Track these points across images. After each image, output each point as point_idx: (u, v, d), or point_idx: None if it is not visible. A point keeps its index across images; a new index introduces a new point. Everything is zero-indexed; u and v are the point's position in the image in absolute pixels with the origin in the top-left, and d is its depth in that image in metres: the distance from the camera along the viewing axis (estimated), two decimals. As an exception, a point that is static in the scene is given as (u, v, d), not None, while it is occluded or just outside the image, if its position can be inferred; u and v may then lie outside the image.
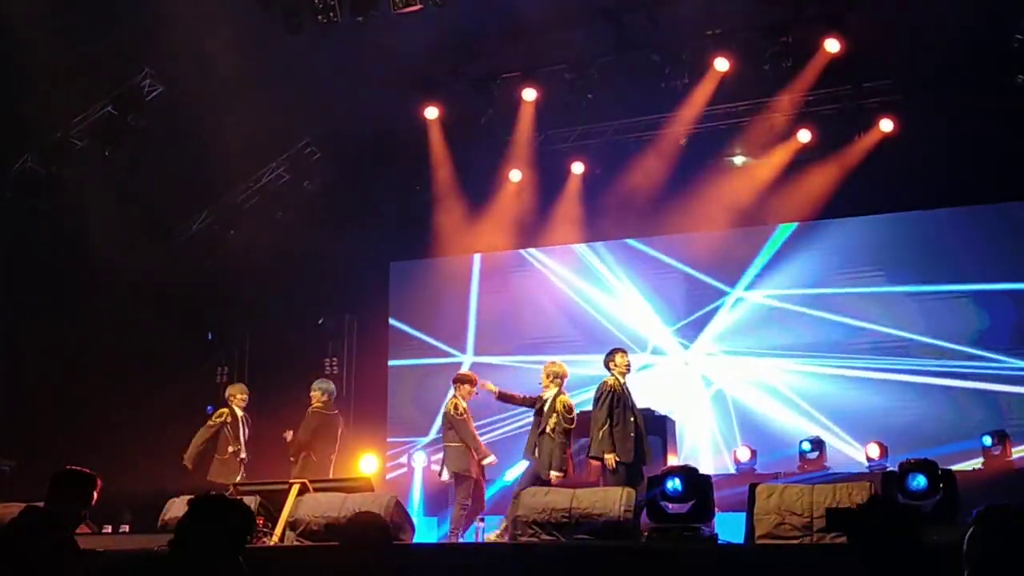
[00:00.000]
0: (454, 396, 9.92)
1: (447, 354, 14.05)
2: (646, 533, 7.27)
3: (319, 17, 10.66)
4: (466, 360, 13.75)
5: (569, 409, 9.45)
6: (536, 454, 9.36)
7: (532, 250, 13.98)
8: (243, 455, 10.74)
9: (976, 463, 10.74)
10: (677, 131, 12.72)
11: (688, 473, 7.47)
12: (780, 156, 12.59)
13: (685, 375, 13.07)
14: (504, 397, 10.01)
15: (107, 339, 12.28)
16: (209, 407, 11.67)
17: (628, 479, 8.80)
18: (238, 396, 10.97)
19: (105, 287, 11.96)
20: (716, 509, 7.40)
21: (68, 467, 5.19)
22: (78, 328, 12.04)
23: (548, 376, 9.60)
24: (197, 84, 11.23)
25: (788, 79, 11.90)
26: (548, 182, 13.51)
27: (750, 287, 12.91)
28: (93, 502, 5.14)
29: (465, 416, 9.78)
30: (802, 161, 12.49)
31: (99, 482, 5.15)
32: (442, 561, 7.32)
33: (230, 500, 3.79)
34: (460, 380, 10.04)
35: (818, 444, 11.39)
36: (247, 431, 10.89)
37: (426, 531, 10.71)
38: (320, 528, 7.83)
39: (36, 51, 10.17)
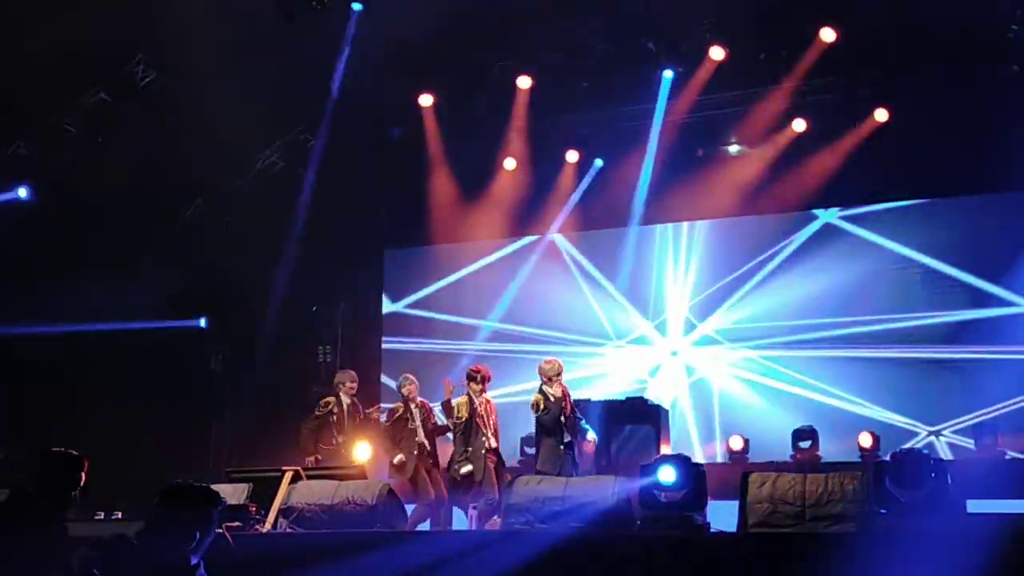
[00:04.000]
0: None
1: (440, 343, 14.05)
2: (639, 521, 7.29)
3: (313, 3, 10.63)
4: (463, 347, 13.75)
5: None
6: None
7: (527, 238, 13.97)
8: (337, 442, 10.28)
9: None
10: (672, 120, 12.70)
11: (681, 462, 7.49)
12: (775, 146, 12.59)
13: (674, 365, 13.11)
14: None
15: (99, 328, 12.24)
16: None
17: None
18: (346, 384, 10.49)
19: (96, 274, 11.91)
20: (709, 498, 7.41)
21: (55, 450, 5.17)
22: (69, 316, 11.99)
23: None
24: (190, 70, 11.19)
25: (783, 69, 11.89)
26: (543, 170, 13.50)
27: (744, 277, 12.91)
28: (82, 483, 5.13)
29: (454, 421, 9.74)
30: (797, 150, 12.49)
31: (86, 464, 5.14)
32: (435, 548, 7.32)
33: (198, 488, 3.78)
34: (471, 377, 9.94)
35: (811, 434, 11.41)
36: (357, 418, 10.52)
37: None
38: (313, 515, 7.84)
39: (28, 36, 10.12)
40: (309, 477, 8.56)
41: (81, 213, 11.91)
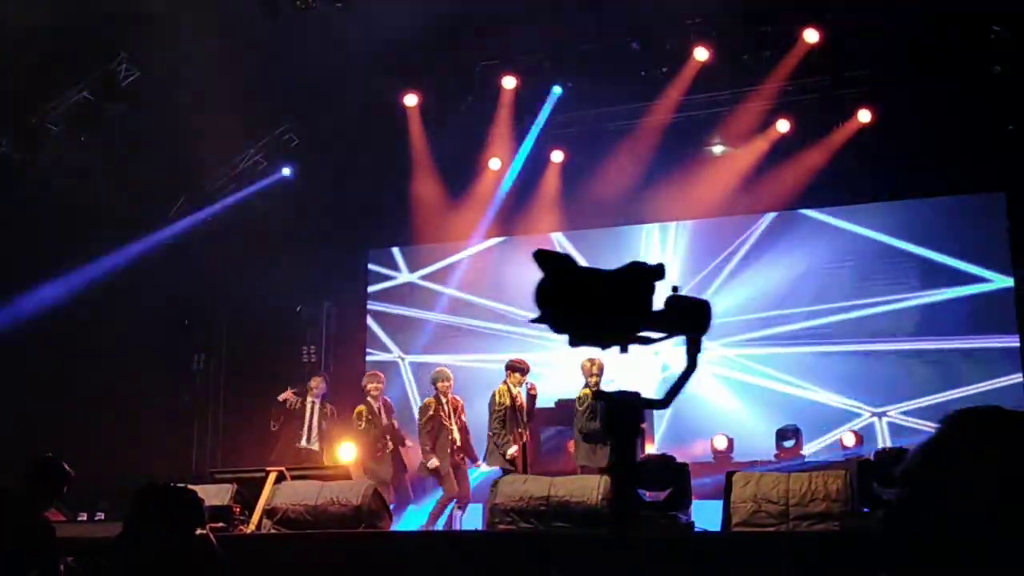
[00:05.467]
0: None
1: (425, 341, 14.07)
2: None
3: (297, 2, 10.62)
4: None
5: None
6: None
7: (510, 238, 13.97)
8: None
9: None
10: (657, 120, 12.72)
11: (665, 461, 7.51)
12: (759, 146, 12.63)
13: (656, 364, 13.14)
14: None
15: (82, 326, 12.19)
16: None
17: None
18: (371, 384, 10.89)
19: (79, 274, 11.86)
20: (693, 497, 7.44)
21: (46, 455, 5.41)
22: (52, 315, 11.93)
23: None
24: (173, 69, 11.14)
25: (767, 69, 11.94)
26: (527, 170, 13.50)
27: (727, 276, 12.96)
28: (64, 491, 5.32)
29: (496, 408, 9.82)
30: (781, 151, 12.53)
31: (72, 476, 5.35)
32: (420, 549, 7.32)
33: (174, 489, 3.78)
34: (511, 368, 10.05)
35: (795, 432, 11.46)
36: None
37: (405, 518, 10.72)
38: (298, 516, 7.82)
39: (9, 35, 10.06)
40: (294, 478, 8.54)
41: (65, 212, 11.84)
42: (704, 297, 1.80)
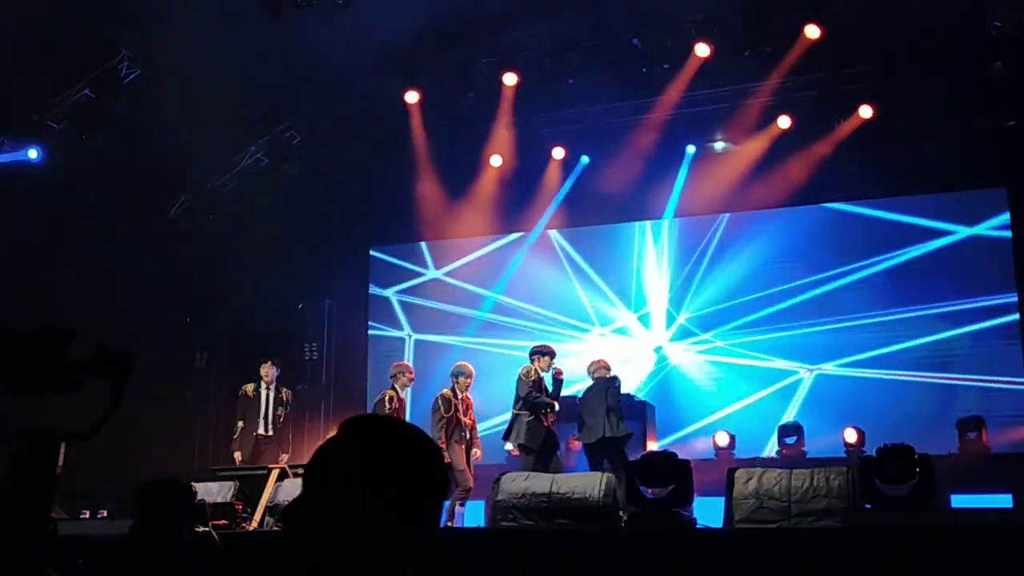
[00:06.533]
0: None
1: (425, 339, 14.09)
2: (625, 517, 7.31)
3: (298, 0, 10.62)
4: (447, 341, 13.76)
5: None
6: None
7: (512, 235, 13.98)
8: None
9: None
10: (658, 116, 12.72)
11: (667, 458, 7.52)
12: (760, 142, 12.62)
13: (651, 359, 13.16)
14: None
15: (83, 325, 12.16)
16: None
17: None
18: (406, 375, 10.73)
19: (81, 272, 11.86)
20: (695, 494, 7.44)
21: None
22: (52, 315, 11.93)
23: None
24: (175, 67, 11.14)
25: (768, 65, 11.93)
26: (529, 168, 13.51)
27: (722, 273, 12.98)
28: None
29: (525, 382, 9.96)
30: (782, 147, 12.53)
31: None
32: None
33: (168, 485, 3.77)
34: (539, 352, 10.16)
35: (796, 429, 11.46)
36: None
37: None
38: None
39: (10, 33, 10.07)
40: (296, 475, 8.55)
41: (65, 210, 11.85)
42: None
